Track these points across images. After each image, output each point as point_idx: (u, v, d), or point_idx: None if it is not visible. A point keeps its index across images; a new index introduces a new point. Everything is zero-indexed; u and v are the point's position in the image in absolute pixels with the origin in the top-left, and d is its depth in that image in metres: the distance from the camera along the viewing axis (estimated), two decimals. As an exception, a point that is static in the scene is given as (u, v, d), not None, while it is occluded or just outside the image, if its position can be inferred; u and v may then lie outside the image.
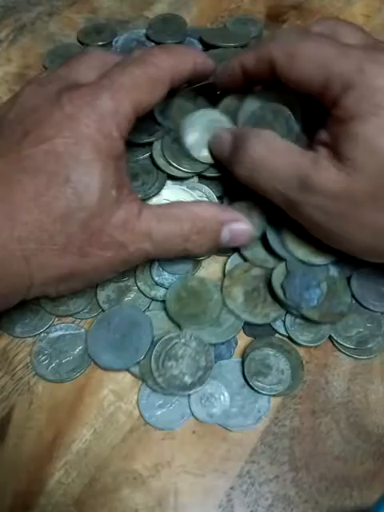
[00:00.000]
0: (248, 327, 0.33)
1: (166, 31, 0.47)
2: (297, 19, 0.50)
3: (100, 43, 0.46)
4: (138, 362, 0.31)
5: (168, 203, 0.33)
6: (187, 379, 0.31)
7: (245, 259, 0.34)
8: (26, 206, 0.25)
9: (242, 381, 0.32)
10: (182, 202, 0.33)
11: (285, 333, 0.33)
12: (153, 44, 0.46)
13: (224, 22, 0.49)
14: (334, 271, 0.33)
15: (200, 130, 0.35)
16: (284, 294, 0.32)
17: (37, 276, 0.26)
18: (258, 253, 0.34)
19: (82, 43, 0.47)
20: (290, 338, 0.33)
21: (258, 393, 0.31)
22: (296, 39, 0.29)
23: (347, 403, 0.32)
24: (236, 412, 0.31)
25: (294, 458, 0.30)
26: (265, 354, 0.32)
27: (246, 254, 0.34)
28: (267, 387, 0.31)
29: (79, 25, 0.49)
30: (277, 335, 0.33)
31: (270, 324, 0.33)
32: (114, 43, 0.46)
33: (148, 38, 0.47)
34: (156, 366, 0.31)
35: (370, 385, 0.32)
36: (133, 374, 0.32)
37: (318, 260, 0.32)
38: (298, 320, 0.33)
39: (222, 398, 0.31)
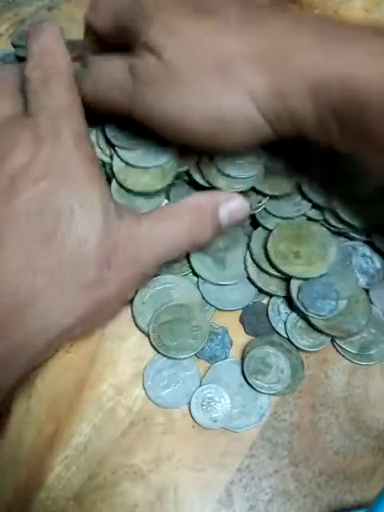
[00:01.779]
0: (249, 325, 0.33)
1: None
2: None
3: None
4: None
5: (161, 206, 0.33)
6: None
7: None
8: (37, 253, 0.25)
9: (240, 380, 0.32)
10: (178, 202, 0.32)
11: (285, 335, 0.33)
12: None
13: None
14: (361, 291, 0.33)
15: None
16: (298, 293, 0.32)
17: (55, 328, 0.25)
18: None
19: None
20: (289, 340, 0.33)
21: (257, 391, 0.31)
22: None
23: (347, 398, 0.32)
24: (238, 413, 0.31)
25: (294, 452, 0.30)
26: (265, 353, 0.32)
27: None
28: (266, 386, 0.31)
29: (78, 19, 0.49)
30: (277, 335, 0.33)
31: (270, 323, 0.33)
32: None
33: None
34: None
35: (369, 379, 0.32)
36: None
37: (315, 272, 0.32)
38: (299, 323, 0.33)
39: (222, 400, 0.31)
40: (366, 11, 0.50)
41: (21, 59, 0.44)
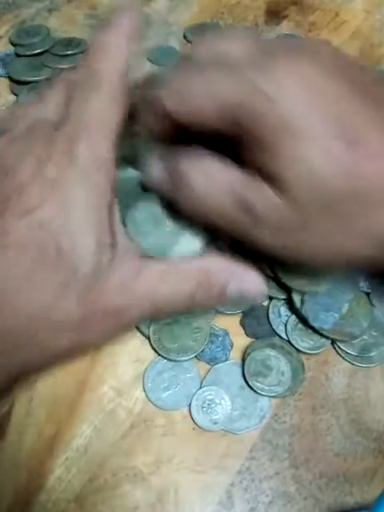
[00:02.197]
0: (249, 327, 0.33)
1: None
2: (297, 15, 0.50)
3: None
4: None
5: (173, 258, 0.30)
6: None
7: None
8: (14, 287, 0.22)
9: (241, 382, 0.32)
10: (187, 257, 0.29)
11: (285, 337, 0.33)
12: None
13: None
14: (362, 294, 0.33)
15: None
16: (301, 306, 0.32)
17: (25, 365, 0.24)
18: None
19: (14, 45, 0.46)
20: (290, 342, 0.33)
21: (258, 394, 0.31)
22: (178, 76, 0.25)
23: (347, 400, 0.32)
24: (238, 415, 0.31)
25: (294, 454, 0.30)
26: (266, 355, 0.32)
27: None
28: (267, 388, 0.31)
29: (79, 21, 0.49)
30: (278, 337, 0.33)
31: (270, 325, 0.33)
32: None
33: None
34: None
35: (370, 381, 0.32)
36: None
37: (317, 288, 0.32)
38: (300, 325, 0.33)
39: (222, 402, 0.31)
40: (367, 12, 0.51)
41: (19, 57, 0.45)
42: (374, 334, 0.33)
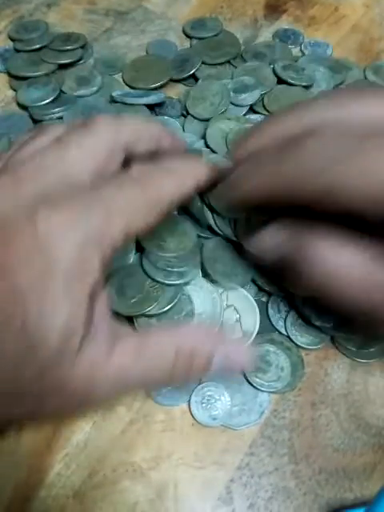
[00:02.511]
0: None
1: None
2: (296, 9, 0.50)
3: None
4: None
5: (151, 329, 0.28)
6: None
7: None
8: None
9: (240, 378, 0.32)
10: (168, 327, 0.27)
11: (285, 332, 0.33)
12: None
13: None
14: None
15: None
16: (303, 305, 0.32)
17: None
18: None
19: (13, 40, 0.46)
20: (289, 337, 0.33)
21: (257, 390, 0.31)
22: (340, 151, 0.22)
23: (347, 395, 0.32)
24: (238, 410, 0.31)
25: (294, 450, 0.30)
26: (265, 351, 0.32)
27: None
28: (266, 384, 0.31)
29: (78, 16, 0.48)
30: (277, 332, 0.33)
31: (269, 320, 0.33)
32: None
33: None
34: None
35: (369, 376, 0.32)
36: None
37: None
38: (299, 321, 0.33)
39: (222, 398, 0.31)
40: (366, 7, 0.50)
41: (18, 52, 0.45)
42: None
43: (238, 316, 0.32)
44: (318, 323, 0.31)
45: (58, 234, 0.21)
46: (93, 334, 0.22)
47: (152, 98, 0.41)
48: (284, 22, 0.49)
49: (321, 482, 0.29)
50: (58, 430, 0.30)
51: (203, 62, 0.44)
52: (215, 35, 0.47)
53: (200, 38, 0.47)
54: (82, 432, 0.30)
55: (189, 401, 0.31)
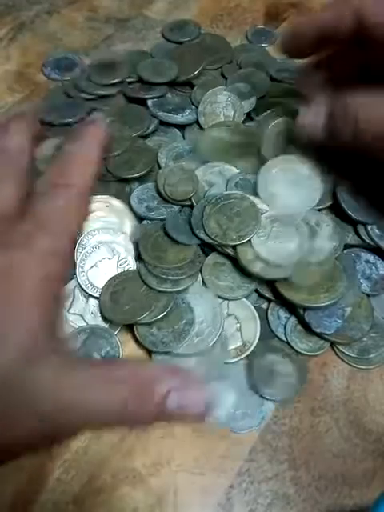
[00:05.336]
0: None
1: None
2: (296, 17, 0.50)
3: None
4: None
5: (105, 361, 0.28)
6: None
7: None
8: None
9: (243, 383, 0.32)
10: (123, 361, 0.28)
11: (284, 339, 0.33)
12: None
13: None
14: (363, 296, 0.33)
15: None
16: (304, 310, 0.32)
17: None
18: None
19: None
20: (289, 344, 0.33)
21: (266, 399, 0.31)
22: None
23: (346, 401, 0.32)
24: (241, 414, 0.31)
25: (294, 456, 0.30)
26: (271, 360, 0.32)
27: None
28: (271, 393, 0.31)
29: (78, 23, 0.49)
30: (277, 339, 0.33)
31: (269, 327, 0.33)
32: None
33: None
34: None
35: (369, 383, 0.32)
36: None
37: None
38: (299, 327, 0.33)
39: (224, 402, 0.31)
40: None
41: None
42: (373, 335, 0.33)
43: (238, 325, 0.32)
44: (318, 330, 0.31)
45: (13, 264, 0.21)
46: (47, 355, 0.21)
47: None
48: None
49: (320, 489, 0.29)
50: (58, 436, 0.30)
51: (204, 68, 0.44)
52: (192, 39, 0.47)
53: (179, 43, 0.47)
54: (81, 438, 0.30)
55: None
